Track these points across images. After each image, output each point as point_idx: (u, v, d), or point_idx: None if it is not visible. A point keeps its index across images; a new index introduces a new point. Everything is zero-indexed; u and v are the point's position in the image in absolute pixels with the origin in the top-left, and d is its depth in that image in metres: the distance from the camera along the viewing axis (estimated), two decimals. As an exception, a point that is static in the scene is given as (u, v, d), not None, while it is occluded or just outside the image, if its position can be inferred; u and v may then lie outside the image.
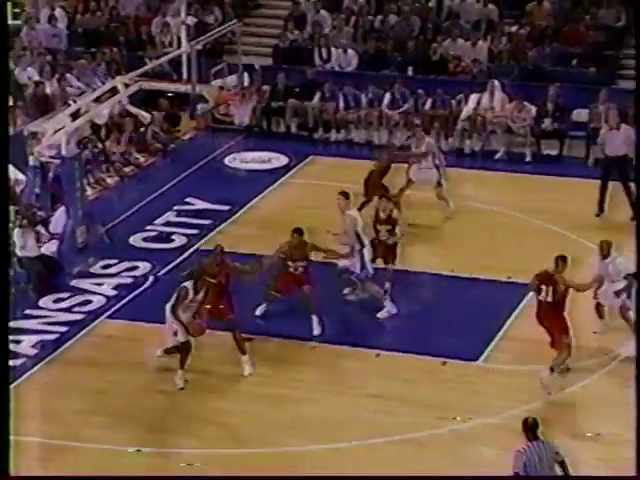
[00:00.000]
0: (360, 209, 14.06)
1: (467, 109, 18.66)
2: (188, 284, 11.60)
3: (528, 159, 17.93)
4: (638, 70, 12.34)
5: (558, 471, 8.70)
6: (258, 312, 12.97)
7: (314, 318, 12.60)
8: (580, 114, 18.15)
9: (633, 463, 9.95)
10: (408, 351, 12.22)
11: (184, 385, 11.66)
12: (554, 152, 18.05)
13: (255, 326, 12.72)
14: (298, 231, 12.57)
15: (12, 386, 11.38)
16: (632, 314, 11.89)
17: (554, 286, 11.23)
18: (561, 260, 11.33)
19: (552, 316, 11.34)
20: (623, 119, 15.98)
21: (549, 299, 11.28)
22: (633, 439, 10.10)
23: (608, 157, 15.76)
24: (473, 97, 18.66)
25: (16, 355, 12.16)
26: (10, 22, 16.00)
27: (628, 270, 11.95)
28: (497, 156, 18.00)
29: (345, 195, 13.14)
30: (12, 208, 14.59)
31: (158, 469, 10.31)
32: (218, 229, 15.59)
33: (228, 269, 11.99)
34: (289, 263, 12.55)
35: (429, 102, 18.90)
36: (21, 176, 15.52)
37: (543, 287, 11.31)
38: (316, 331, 12.60)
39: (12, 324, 12.64)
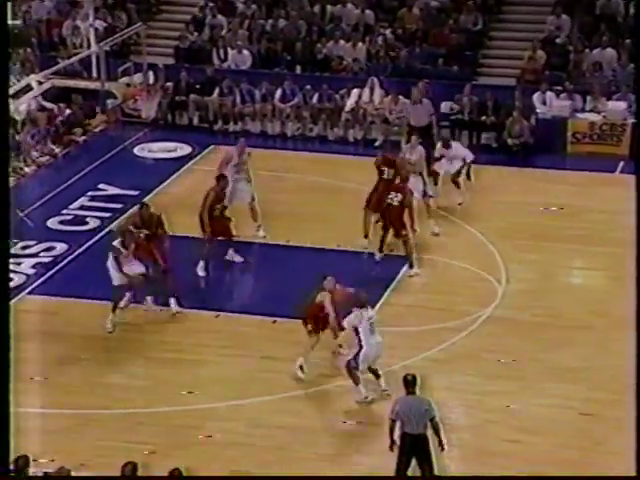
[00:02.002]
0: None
1: (350, 102, 18.78)
2: (116, 242, 11.51)
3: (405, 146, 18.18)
4: (638, 69, 12.45)
5: (428, 425, 9.01)
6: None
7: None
8: (446, 106, 18.50)
9: (489, 408, 10.34)
10: (300, 317, 12.27)
11: (112, 329, 11.62)
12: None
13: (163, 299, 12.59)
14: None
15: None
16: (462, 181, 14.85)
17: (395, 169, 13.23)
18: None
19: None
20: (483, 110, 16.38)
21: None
22: (490, 389, 10.51)
23: (413, 127, 16.49)
24: (355, 92, 18.79)
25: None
26: (10, 22, 15.32)
27: (463, 153, 15.01)
28: (376, 144, 18.19)
29: None
30: None
31: (66, 429, 10.11)
32: (128, 212, 15.32)
33: (157, 220, 12.04)
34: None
35: (316, 96, 18.94)
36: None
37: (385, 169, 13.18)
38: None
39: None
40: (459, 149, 15.44)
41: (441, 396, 10.40)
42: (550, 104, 17.99)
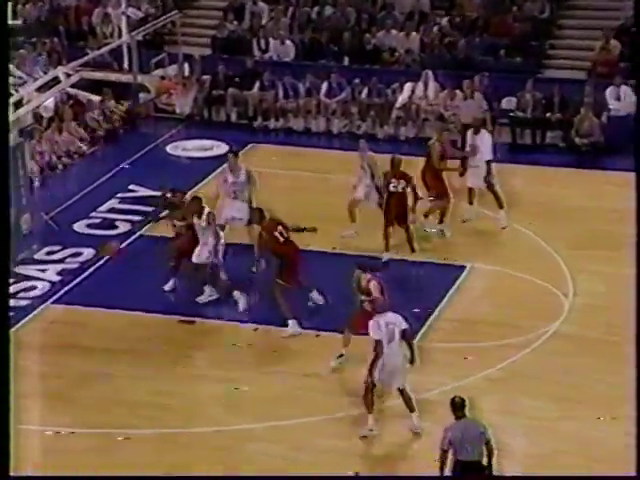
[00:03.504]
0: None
1: (402, 98, 18.80)
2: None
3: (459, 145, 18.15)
4: (638, 68, 12.51)
5: (484, 451, 8.95)
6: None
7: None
8: (509, 102, 18.42)
9: (559, 435, 10.25)
10: (336, 330, 12.29)
11: None
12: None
13: (195, 309, 12.73)
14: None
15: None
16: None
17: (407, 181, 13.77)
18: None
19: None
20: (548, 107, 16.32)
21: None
22: (558, 414, 10.40)
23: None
24: (407, 86, 18.81)
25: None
26: (10, 22, 15.72)
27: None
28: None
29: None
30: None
31: (96, 450, 10.26)
32: (161, 215, 15.49)
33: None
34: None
35: (365, 91, 19.00)
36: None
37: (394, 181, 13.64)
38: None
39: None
40: (485, 139, 15.17)
41: (501, 420, 10.33)
42: (624, 99, 17.85)
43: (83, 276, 13.73)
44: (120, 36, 18.60)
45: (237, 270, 13.42)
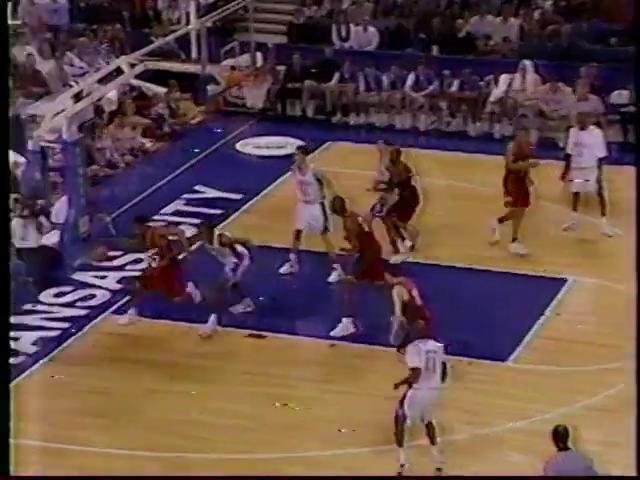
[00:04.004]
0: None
1: (497, 91, 18.70)
2: None
3: (562, 145, 17.94)
4: (638, 66, 12.50)
5: None
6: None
7: None
8: (620, 96, 18.13)
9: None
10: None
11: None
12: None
13: (268, 323, 12.82)
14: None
15: (11, 385, 11.64)
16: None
17: None
18: None
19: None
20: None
21: None
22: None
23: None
24: (503, 78, 18.69)
25: (15, 353, 12.30)
26: (10, 22, 16.18)
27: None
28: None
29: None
30: (12, 196, 14.76)
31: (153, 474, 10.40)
32: (229, 219, 15.69)
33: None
34: None
35: (456, 84, 18.94)
36: (21, 159, 15.65)
37: None
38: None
39: (11, 319, 12.94)
40: (595, 135, 14.97)
41: (607, 454, 10.16)
42: None
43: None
44: (188, 22, 18.73)
45: (313, 280, 13.49)
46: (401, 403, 10.30)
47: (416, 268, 13.78)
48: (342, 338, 12.53)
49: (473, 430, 10.95)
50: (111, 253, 14.41)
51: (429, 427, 10.48)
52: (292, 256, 14.07)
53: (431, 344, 10.37)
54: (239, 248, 12.96)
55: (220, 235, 13.04)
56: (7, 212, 7.54)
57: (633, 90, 17.84)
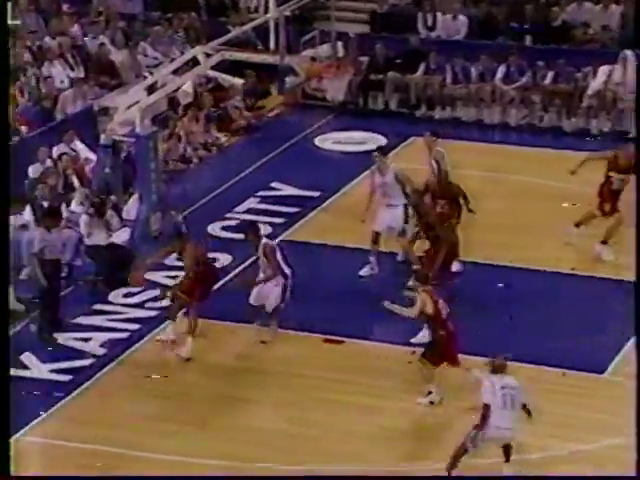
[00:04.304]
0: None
1: (595, 83, 18.52)
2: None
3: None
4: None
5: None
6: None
7: None
8: None
9: None
10: (521, 360, 12.19)
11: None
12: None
13: (351, 328, 12.88)
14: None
15: (79, 389, 11.93)
16: None
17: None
18: None
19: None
20: None
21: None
22: None
23: None
24: (603, 70, 18.49)
25: (83, 355, 12.57)
26: (10, 22, 16.56)
27: None
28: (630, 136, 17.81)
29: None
30: (82, 190, 15.07)
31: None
32: (306, 218, 15.80)
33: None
34: None
35: (549, 75, 18.80)
36: (91, 155, 15.98)
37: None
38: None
39: (80, 320, 13.26)
40: None
41: None
42: None
43: (218, 285, 14.08)
44: (266, 11, 18.92)
45: (391, 284, 13.53)
46: (472, 439, 10.23)
47: (514, 272, 13.76)
48: (422, 345, 12.54)
49: (567, 447, 10.88)
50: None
51: (507, 446, 10.48)
52: (372, 258, 14.15)
53: (508, 380, 10.30)
54: (284, 266, 12.72)
55: (265, 245, 12.75)
56: (6, 216, 7.86)
57: None
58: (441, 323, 11.49)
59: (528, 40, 19.97)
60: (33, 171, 15.53)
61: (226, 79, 18.35)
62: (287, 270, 12.73)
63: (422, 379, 11.65)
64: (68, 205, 14.97)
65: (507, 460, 10.47)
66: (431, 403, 11.59)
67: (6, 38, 8.22)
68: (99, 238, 13.99)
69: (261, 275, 12.75)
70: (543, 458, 10.79)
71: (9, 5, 15.55)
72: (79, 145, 16.28)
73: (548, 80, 18.83)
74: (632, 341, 12.46)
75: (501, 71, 18.99)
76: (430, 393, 11.63)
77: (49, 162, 15.69)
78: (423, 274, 12.07)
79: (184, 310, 12.79)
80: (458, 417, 11.32)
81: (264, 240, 12.83)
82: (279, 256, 12.71)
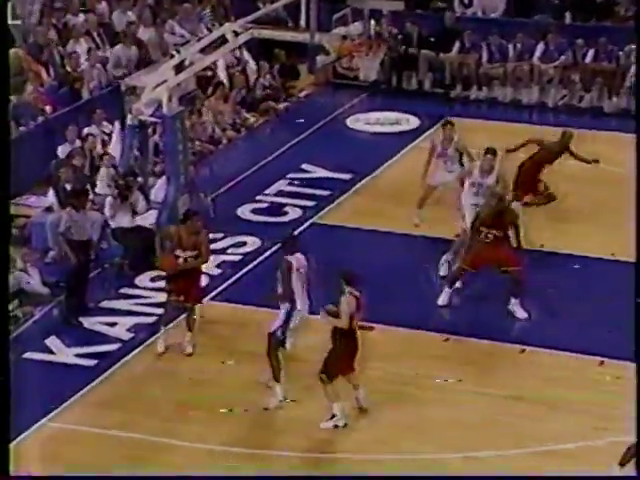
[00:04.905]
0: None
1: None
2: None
3: None
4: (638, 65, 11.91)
5: None
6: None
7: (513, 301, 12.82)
8: None
9: None
10: (557, 347, 12.18)
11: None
12: None
13: (383, 314, 12.89)
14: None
15: (105, 374, 11.98)
16: None
17: None
18: None
19: None
20: None
21: None
22: None
23: None
24: (645, 48, 18.35)
25: (110, 340, 12.62)
26: (10, 22, 16.60)
27: None
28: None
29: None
30: (107, 171, 15.11)
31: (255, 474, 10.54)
32: (337, 201, 15.79)
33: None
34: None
35: (590, 54, 18.69)
36: (118, 135, 15.99)
37: None
38: (519, 314, 12.74)
39: (106, 304, 13.31)
40: None
41: None
42: None
43: (246, 270, 14.13)
44: (297, -12, 18.93)
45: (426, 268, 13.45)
46: None
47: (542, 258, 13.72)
48: (462, 334, 12.52)
49: (606, 437, 10.81)
50: (211, 236, 14.64)
51: None
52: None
53: None
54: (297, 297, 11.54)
55: (285, 261, 11.48)
56: (7, 215, 7.92)
57: None
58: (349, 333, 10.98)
59: (568, 17, 19.85)
60: (62, 151, 15.59)
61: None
62: (299, 301, 11.53)
63: (326, 398, 11.13)
64: (93, 187, 15.03)
65: None
66: (335, 427, 11.06)
67: (6, 38, 8.29)
68: (124, 220, 14.05)
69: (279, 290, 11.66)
70: (578, 447, 10.74)
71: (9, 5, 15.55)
72: (115, 126, 16.16)
73: (588, 59, 18.72)
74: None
75: (539, 49, 18.90)
76: (334, 416, 11.08)
77: (78, 142, 15.75)
78: None
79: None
80: (498, 404, 11.26)
81: (289, 257, 11.48)
82: (295, 280, 11.43)
